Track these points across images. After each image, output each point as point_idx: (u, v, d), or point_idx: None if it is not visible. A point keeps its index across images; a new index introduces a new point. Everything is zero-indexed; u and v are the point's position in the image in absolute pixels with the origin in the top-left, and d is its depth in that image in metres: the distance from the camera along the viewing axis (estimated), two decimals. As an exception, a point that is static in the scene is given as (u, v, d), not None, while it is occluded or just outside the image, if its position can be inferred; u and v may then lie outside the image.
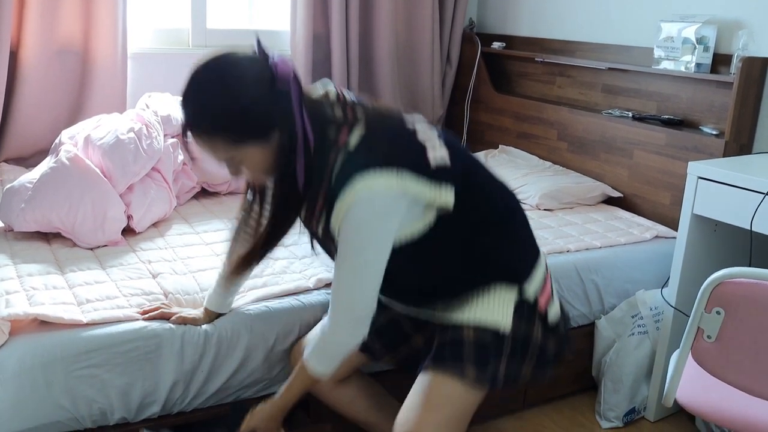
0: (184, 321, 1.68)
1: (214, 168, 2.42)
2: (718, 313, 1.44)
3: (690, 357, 1.52)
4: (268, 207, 1.50)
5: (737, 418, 1.54)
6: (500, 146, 3.37)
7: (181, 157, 2.50)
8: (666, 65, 2.60)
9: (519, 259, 1.56)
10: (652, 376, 2.27)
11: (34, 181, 2.10)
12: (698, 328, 1.48)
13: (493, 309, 1.51)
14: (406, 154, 1.40)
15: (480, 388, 1.50)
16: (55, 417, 1.55)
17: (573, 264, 2.26)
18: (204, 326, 1.70)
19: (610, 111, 2.87)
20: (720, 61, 2.50)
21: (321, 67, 3.25)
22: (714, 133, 2.47)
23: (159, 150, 2.34)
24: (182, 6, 3.07)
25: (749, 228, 1.94)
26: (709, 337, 1.46)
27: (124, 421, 1.64)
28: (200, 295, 1.81)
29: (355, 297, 1.43)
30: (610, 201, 2.85)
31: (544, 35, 3.30)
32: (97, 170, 2.17)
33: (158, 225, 2.32)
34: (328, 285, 1.91)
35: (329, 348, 1.49)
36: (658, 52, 2.63)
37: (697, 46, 2.47)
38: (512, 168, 3.04)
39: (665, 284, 2.24)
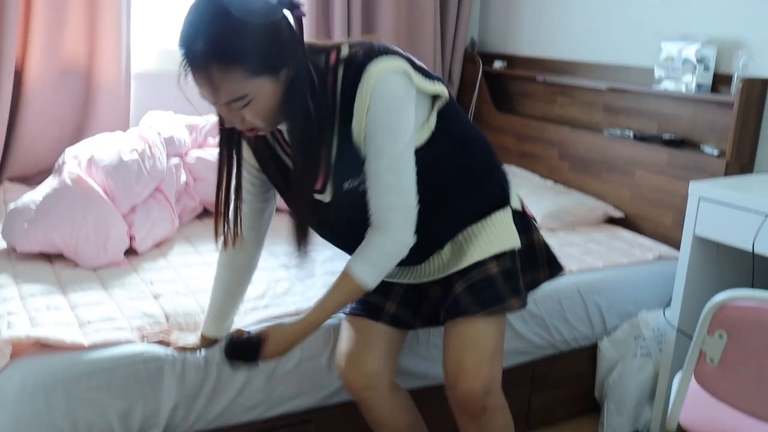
0: (183, 350, 1.68)
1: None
2: (720, 336, 1.43)
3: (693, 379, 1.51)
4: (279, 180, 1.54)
5: (741, 442, 1.53)
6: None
7: (183, 178, 2.51)
8: (666, 85, 2.61)
9: (501, 173, 1.67)
10: (655, 398, 2.26)
11: (38, 201, 2.11)
12: (701, 351, 1.47)
13: (503, 234, 1.61)
14: (397, 53, 1.43)
15: (521, 309, 1.62)
16: (55, 440, 1.54)
17: (575, 285, 2.26)
18: (205, 350, 1.69)
19: (611, 130, 2.87)
20: (720, 80, 2.51)
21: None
22: (715, 153, 2.48)
23: (162, 171, 2.35)
24: (186, 26, 3.08)
25: (752, 250, 1.94)
26: (711, 360, 1.45)
27: (125, 444, 1.64)
28: (201, 317, 1.80)
29: (401, 193, 1.43)
30: (611, 221, 2.85)
31: (545, 55, 3.32)
32: (100, 191, 2.17)
33: (161, 245, 2.32)
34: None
35: (378, 256, 1.47)
36: (658, 72, 2.64)
37: (697, 65, 2.48)
38: (514, 188, 3.03)
39: (668, 305, 2.24)
